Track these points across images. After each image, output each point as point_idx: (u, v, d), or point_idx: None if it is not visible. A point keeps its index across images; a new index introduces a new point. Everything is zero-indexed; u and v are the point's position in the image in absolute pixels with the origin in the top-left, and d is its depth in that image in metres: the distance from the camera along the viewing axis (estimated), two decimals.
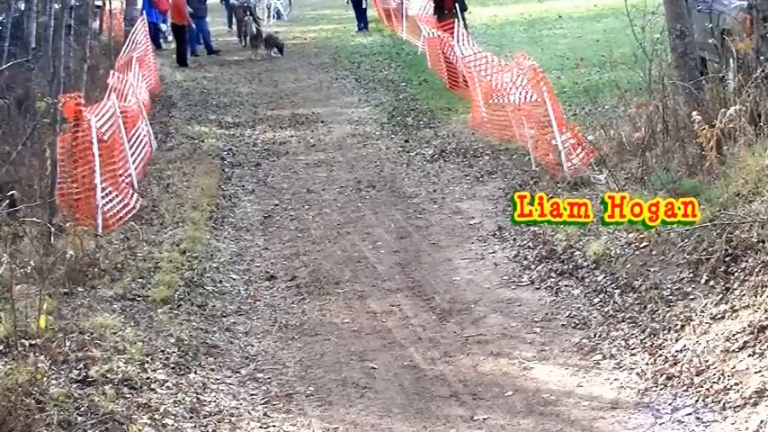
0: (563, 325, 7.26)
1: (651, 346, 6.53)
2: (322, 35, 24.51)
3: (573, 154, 10.38)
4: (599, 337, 6.93)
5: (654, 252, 7.54)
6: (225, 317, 7.93)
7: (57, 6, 13.37)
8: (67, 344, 6.44)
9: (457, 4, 16.83)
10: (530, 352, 6.87)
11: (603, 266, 7.85)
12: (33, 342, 6.24)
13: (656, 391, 6.02)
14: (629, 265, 7.60)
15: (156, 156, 13.21)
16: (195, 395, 6.36)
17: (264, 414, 6.27)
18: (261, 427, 6.09)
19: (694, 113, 7.98)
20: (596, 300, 7.49)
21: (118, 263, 8.51)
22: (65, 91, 10.23)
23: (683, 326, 6.52)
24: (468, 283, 8.33)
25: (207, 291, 8.40)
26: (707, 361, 6.03)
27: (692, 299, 6.75)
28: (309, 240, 9.84)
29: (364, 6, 24.86)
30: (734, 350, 5.96)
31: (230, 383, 6.71)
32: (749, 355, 5.84)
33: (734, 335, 6.07)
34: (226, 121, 15.91)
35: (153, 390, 6.25)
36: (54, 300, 7.07)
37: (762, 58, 8.52)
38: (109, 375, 6.19)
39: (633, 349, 6.61)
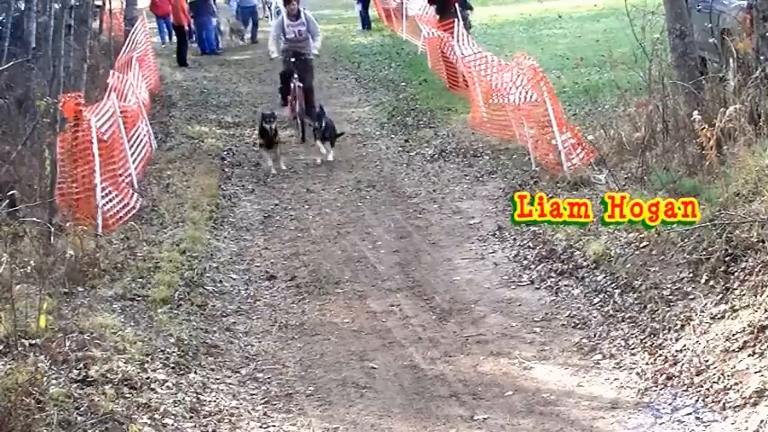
0: (563, 325, 7.26)
1: (651, 345, 6.53)
2: (322, 35, 24.50)
3: (573, 154, 10.38)
4: (599, 336, 6.93)
5: (654, 252, 7.54)
6: (225, 317, 7.93)
7: (57, 6, 13.37)
8: (67, 344, 6.44)
9: (457, 4, 16.84)
10: (530, 352, 6.87)
11: (603, 266, 7.85)
12: (33, 342, 6.24)
13: (656, 390, 6.02)
14: (629, 265, 7.60)
15: (156, 155, 13.22)
16: (195, 395, 6.36)
17: (264, 414, 6.27)
18: (261, 427, 6.08)
19: (695, 113, 7.98)
20: (596, 300, 7.49)
21: (118, 263, 8.51)
22: (65, 91, 10.23)
23: (683, 326, 6.52)
24: (468, 283, 8.33)
25: (207, 291, 8.40)
26: (707, 361, 6.03)
27: (692, 299, 6.75)
28: (309, 240, 9.84)
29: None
30: (734, 350, 5.96)
31: (230, 383, 6.71)
32: (749, 355, 5.84)
33: (734, 335, 6.07)
34: (226, 121, 15.92)
35: (153, 390, 6.24)
36: (54, 300, 7.07)
37: (762, 57, 8.52)
38: (109, 375, 6.19)
39: (633, 349, 6.61)
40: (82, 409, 5.72)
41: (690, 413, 5.67)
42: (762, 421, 5.27)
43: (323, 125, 12.75)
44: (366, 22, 25.05)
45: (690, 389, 5.90)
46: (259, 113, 13.50)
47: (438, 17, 17.66)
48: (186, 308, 7.87)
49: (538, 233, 8.99)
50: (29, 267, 6.96)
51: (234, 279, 8.86)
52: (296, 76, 14.23)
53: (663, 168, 8.72)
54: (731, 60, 9.19)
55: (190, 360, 6.90)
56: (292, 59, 14.22)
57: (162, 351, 6.88)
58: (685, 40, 9.32)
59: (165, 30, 23.98)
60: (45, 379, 5.76)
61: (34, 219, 8.30)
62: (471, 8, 17.55)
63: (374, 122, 14.95)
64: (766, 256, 6.42)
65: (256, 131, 13.36)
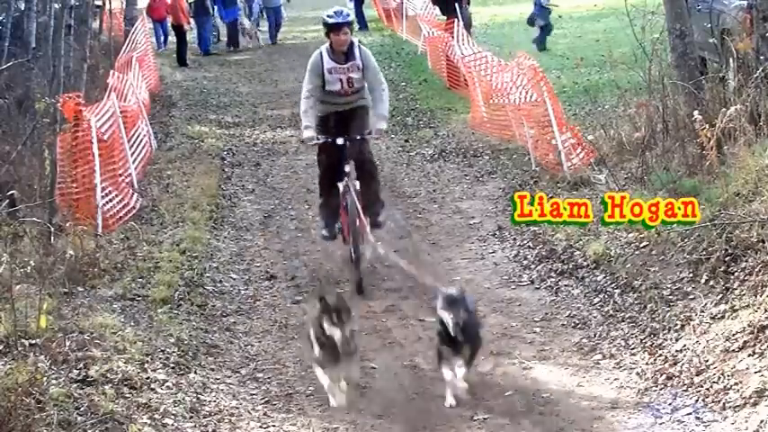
0: (563, 325, 7.26)
1: (651, 345, 6.53)
2: (322, 35, 24.47)
3: (573, 154, 10.39)
4: (599, 336, 6.93)
5: (654, 252, 7.54)
6: (225, 317, 7.93)
7: (57, 6, 13.38)
8: (67, 344, 6.43)
9: (457, 4, 16.88)
10: (530, 352, 6.87)
11: (603, 266, 7.85)
12: (33, 342, 6.23)
13: (656, 390, 6.02)
14: (629, 265, 7.60)
15: (156, 155, 13.22)
16: (195, 395, 6.36)
17: (264, 414, 6.26)
18: (261, 427, 6.08)
19: (695, 113, 7.99)
20: (596, 300, 7.49)
21: (118, 263, 8.51)
22: (65, 91, 10.24)
23: (683, 326, 6.52)
24: (468, 283, 8.31)
25: (207, 290, 8.39)
26: (707, 361, 6.03)
27: (692, 299, 6.75)
28: (309, 240, 9.84)
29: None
30: (734, 350, 5.96)
31: (230, 383, 6.70)
32: (749, 355, 5.84)
33: (734, 335, 6.07)
34: (226, 121, 15.93)
35: (153, 390, 6.24)
36: (54, 300, 7.07)
37: (762, 58, 8.53)
38: (109, 375, 6.18)
39: (633, 349, 6.61)
40: (82, 409, 5.72)
41: (690, 413, 5.67)
42: (762, 421, 5.27)
43: (462, 324, 5.93)
44: (362, 22, 24.97)
45: (690, 389, 5.90)
46: (316, 296, 6.60)
47: (445, 18, 17.69)
48: (186, 308, 7.87)
49: (538, 233, 8.99)
50: (29, 267, 6.96)
51: (234, 279, 8.85)
52: (347, 169, 8.11)
53: (663, 168, 8.72)
54: (731, 60, 9.19)
55: (190, 360, 6.90)
56: (341, 140, 8.13)
57: (162, 351, 6.87)
58: (685, 40, 9.32)
59: (162, 34, 23.88)
60: (45, 379, 5.76)
61: (34, 219, 8.30)
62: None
63: None
64: (766, 256, 6.42)
65: (311, 330, 6.29)
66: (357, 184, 8.21)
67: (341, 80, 8.30)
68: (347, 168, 8.16)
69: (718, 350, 6.05)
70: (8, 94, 12.85)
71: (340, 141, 8.17)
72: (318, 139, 8.22)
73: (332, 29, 8.29)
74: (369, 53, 8.43)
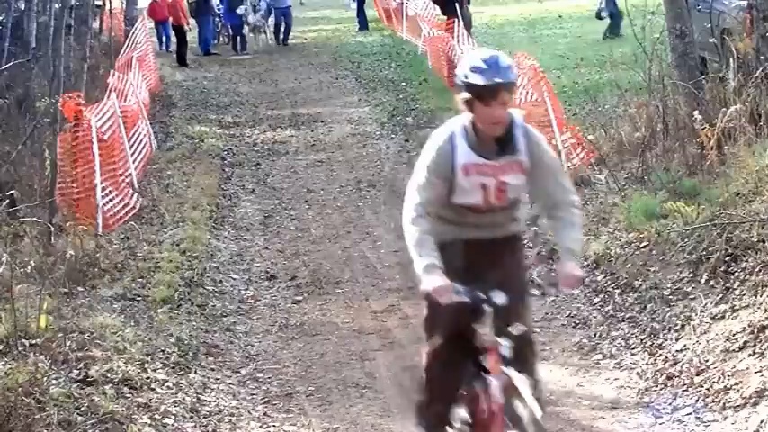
0: (563, 325, 7.26)
1: (651, 345, 6.53)
2: (322, 35, 24.55)
3: (573, 154, 10.39)
4: (599, 336, 6.93)
5: (654, 252, 7.54)
6: (225, 316, 7.93)
7: (57, 6, 13.40)
8: (67, 344, 6.43)
9: (457, 4, 16.89)
10: None
11: (603, 266, 7.85)
12: (33, 342, 6.23)
13: (656, 390, 6.02)
14: (629, 265, 7.59)
15: (156, 155, 13.22)
16: (195, 395, 6.36)
17: (264, 414, 6.26)
18: (261, 427, 6.08)
19: (696, 113, 7.99)
20: (596, 300, 7.49)
21: (118, 263, 8.51)
22: (65, 91, 10.25)
23: (683, 326, 6.52)
24: None
25: (207, 290, 8.40)
26: (707, 361, 6.03)
27: (692, 299, 6.75)
28: (309, 240, 9.84)
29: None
30: (734, 350, 5.96)
31: (230, 383, 6.70)
32: (749, 355, 5.84)
33: (734, 335, 6.07)
34: (226, 121, 15.93)
35: (153, 390, 6.24)
36: (54, 300, 7.06)
37: (762, 57, 8.53)
38: (109, 375, 6.18)
39: (633, 349, 6.61)
40: (82, 409, 5.71)
41: (690, 413, 5.67)
42: (762, 421, 5.27)
43: None
44: (363, 23, 24.97)
45: (690, 389, 5.90)
46: None
47: (445, 18, 17.71)
48: (186, 308, 7.87)
49: (538, 233, 8.98)
50: (29, 267, 6.96)
51: (234, 279, 8.85)
52: (503, 350, 4.27)
53: (663, 168, 8.72)
54: (731, 60, 9.19)
55: (190, 360, 6.90)
56: (502, 299, 4.25)
57: (162, 351, 6.87)
58: (685, 40, 9.33)
59: (164, 36, 23.89)
60: (45, 379, 5.76)
61: (34, 219, 8.30)
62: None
63: (374, 122, 14.95)
64: (766, 256, 6.42)
65: None
66: (525, 380, 4.29)
67: (484, 187, 4.44)
68: (504, 349, 4.31)
69: (718, 350, 6.05)
70: (8, 94, 12.86)
71: (500, 300, 4.28)
72: (459, 293, 4.24)
73: (482, 94, 4.27)
74: (541, 139, 4.52)
